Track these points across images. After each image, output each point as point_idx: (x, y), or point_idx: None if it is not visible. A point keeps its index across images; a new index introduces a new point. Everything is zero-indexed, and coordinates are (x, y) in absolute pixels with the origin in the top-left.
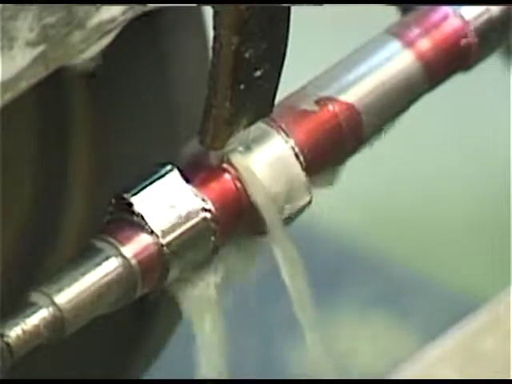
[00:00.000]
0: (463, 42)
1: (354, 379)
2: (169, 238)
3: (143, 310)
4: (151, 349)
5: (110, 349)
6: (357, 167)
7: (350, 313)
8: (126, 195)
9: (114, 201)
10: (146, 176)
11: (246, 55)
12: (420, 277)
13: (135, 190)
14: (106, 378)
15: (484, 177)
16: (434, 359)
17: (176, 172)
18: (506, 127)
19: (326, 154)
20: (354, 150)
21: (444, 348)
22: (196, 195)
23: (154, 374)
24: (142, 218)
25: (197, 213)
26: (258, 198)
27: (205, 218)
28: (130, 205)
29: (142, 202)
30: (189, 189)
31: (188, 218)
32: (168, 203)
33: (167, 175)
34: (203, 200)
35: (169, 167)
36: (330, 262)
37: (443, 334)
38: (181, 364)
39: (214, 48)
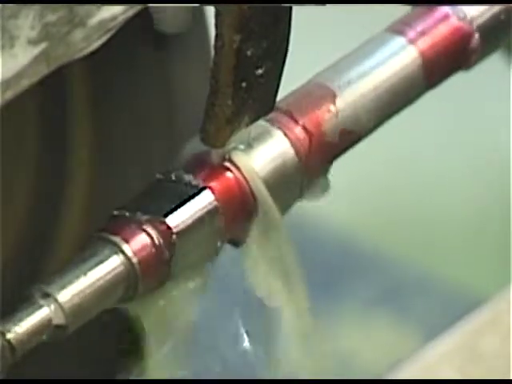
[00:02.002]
0: (465, 40)
1: (354, 379)
2: (171, 237)
3: None
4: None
5: (109, 348)
6: (358, 168)
7: (351, 312)
8: (168, 221)
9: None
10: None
11: (248, 53)
12: (421, 276)
13: (172, 213)
14: (106, 378)
15: (484, 176)
16: (434, 359)
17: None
18: (507, 126)
19: (326, 153)
20: (351, 147)
21: (444, 348)
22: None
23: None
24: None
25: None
26: (260, 195)
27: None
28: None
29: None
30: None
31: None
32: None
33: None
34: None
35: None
36: (332, 261)
37: (443, 334)
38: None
39: (215, 46)
